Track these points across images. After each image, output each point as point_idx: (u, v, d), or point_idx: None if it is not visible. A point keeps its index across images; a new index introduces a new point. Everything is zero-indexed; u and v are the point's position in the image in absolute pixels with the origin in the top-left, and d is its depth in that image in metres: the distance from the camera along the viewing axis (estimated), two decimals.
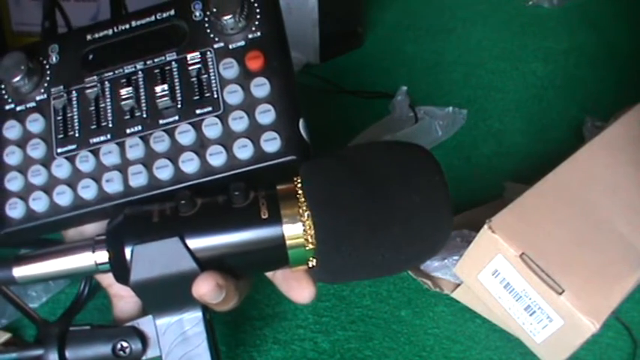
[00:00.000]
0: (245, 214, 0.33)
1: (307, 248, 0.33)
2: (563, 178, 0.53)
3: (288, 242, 0.33)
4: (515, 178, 0.67)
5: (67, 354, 0.35)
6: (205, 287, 0.32)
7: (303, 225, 0.32)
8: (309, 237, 0.32)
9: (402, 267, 0.35)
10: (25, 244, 0.38)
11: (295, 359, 0.56)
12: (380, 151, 0.35)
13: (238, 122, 0.35)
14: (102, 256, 0.35)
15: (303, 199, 0.33)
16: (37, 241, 0.38)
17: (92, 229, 0.38)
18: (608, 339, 0.56)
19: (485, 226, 0.49)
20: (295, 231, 0.33)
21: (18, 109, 0.39)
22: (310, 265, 0.34)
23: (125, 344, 0.35)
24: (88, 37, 0.40)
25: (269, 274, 0.38)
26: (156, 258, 0.33)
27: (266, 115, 0.35)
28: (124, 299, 0.39)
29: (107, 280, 0.39)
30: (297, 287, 0.36)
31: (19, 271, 0.35)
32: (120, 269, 0.34)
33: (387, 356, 0.56)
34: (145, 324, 0.35)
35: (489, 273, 0.50)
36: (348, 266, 0.33)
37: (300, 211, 0.32)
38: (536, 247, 0.48)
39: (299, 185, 0.33)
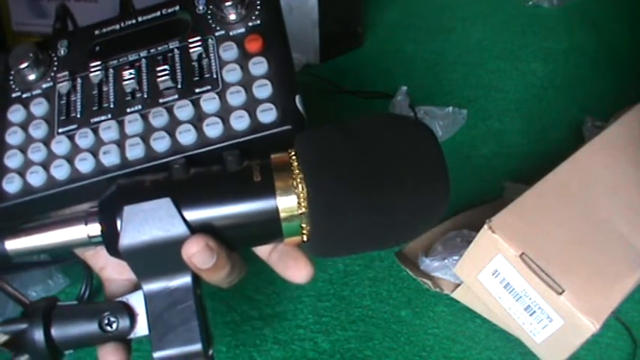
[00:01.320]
0: (237, 178, 0.33)
1: (300, 212, 0.32)
2: (563, 178, 0.53)
3: (281, 210, 0.32)
4: (515, 178, 0.67)
5: (53, 329, 0.34)
6: (195, 247, 0.32)
7: (296, 191, 0.32)
8: (301, 200, 0.32)
9: (395, 236, 0.35)
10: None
11: (295, 359, 0.56)
12: (375, 119, 0.35)
13: (236, 96, 0.36)
14: (94, 228, 0.34)
15: (296, 164, 0.32)
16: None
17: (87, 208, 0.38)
18: (608, 339, 0.56)
19: (485, 226, 0.49)
20: (288, 198, 0.32)
21: (24, 96, 0.40)
22: (304, 239, 0.34)
23: (112, 319, 0.34)
24: (96, 32, 0.41)
25: (264, 255, 0.37)
26: (146, 219, 0.32)
27: (263, 89, 0.36)
28: (116, 282, 0.38)
29: (99, 263, 0.39)
30: (294, 267, 0.35)
31: (12, 244, 0.35)
32: (112, 239, 0.34)
33: (387, 356, 0.56)
34: (135, 300, 0.35)
35: (489, 273, 0.50)
36: (341, 232, 0.33)
37: (294, 175, 0.32)
38: (536, 247, 0.48)
39: (293, 154, 0.33)
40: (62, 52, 0.41)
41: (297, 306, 0.59)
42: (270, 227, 0.33)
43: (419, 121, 0.35)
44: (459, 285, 0.57)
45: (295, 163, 0.33)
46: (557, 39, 0.85)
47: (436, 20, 0.89)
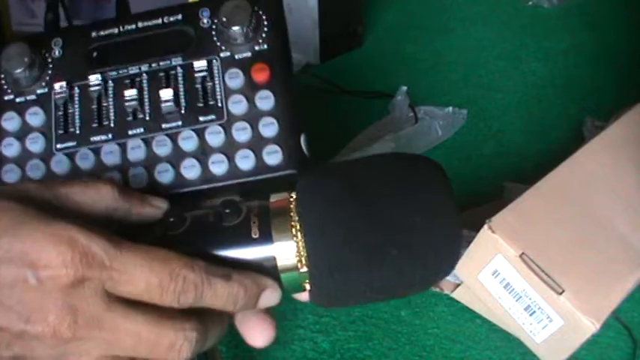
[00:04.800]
0: (235, 233, 0.31)
1: (301, 271, 0.31)
2: (563, 178, 0.53)
3: (280, 265, 0.31)
4: (515, 178, 0.67)
5: None
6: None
7: (297, 246, 0.31)
8: (302, 259, 0.31)
9: (403, 293, 0.33)
10: None
11: (295, 359, 0.56)
12: (384, 166, 0.33)
13: (241, 133, 0.36)
14: None
15: (296, 218, 0.31)
16: None
17: None
18: (608, 339, 0.56)
19: (485, 226, 0.49)
20: (287, 254, 0.31)
21: (17, 100, 0.39)
22: (307, 289, 0.32)
23: None
24: (93, 34, 0.40)
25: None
26: None
27: (269, 128, 0.36)
28: None
29: None
30: (253, 328, 0.34)
31: None
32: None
33: (387, 356, 0.56)
34: None
35: (489, 273, 0.50)
36: (344, 292, 0.31)
37: (294, 231, 0.31)
38: (536, 247, 0.48)
39: (292, 201, 0.32)
40: (57, 53, 0.39)
41: (297, 306, 0.59)
42: (267, 274, 0.32)
43: (433, 164, 0.32)
44: (459, 285, 0.57)
45: (296, 217, 0.31)
46: (557, 39, 0.85)
47: (436, 20, 0.88)
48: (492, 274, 0.50)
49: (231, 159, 0.36)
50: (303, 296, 0.34)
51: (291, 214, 0.31)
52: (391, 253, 0.30)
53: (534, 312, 0.49)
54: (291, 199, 0.32)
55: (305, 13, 0.76)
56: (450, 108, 0.74)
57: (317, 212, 0.31)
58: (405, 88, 0.76)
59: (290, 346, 0.56)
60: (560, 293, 0.47)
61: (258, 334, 0.34)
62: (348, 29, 0.84)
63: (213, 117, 0.37)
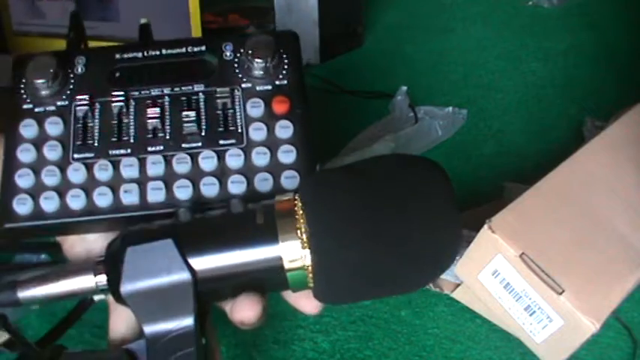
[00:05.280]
0: (240, 220, 0.33)
1: (306, 270, 0.32)
2: (563, 178, 0.53)
3: (286, 264, 0.32)
4: (515, 178, 0.67)
5: None
6: (252, 312, 0.33)
7: (301, 245, 0.31)
8: (307, 257, 0.31)
9: (404, 290, 0.35)
10: (21, 248, 0.38)
11: (295, 359, 0.56)
12: (385, 167, 0.33)
13: (261, 157, 0.37)
14: (102, 278, 0.35)
15: (301, 217, 0.32)
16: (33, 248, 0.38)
17: (92, 238, 0.38)
18: (608, 339, 0.56)
19: (485, 226, 0.49)
20: (292, 253, 0.32)
21: (37, 109, 0.39)
22: (310, 286, 0.33)
23: None
24: (117, 55, 0.41)
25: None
26: (147, 260, 0.32)
27: (288, 155, 0.37)
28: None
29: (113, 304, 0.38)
30: (305, 296, 0.34)
31: (23, 293, 0.35)
32: (117, 286, 0.33)
33: (387, 356, 0.56)
34: (139, 347, 0.35)
35: (489, 273, 0.50)
36: (346, 289, 0.32)
37: (298, 231, 0.32)
38: (536, 247, 0.48)
39: (297, 201, 0.32)
40: (79, 70, 0.40)
41: None
42: (273, 275, 0.32)
43: (436, 168, 0.33)
44: (459, 285, 0.57)
45: (300, 211, 0.32)
46: (557, 39, 0.85)
47: (436, 20, 0.89)
48: (492, 274, 0.50)
49: (250, 181, 0.37)
50: (305, 306, 0.35)
51: (296, 214, 0.32)
52: (392, 253, 0.31)
53: (534, 312, 0.49)
54: (296, 200, 0.32)
55: (305, 13, 0.76)
56: (450, 108, 0.75)
57: (321, 211, 0.31)
58: (405, 88, 0.76)
59: (290, 346, 0.56)
60: (560, 293, 0.47)
61: (307, 301, 0.35)
62: (348, 29, 0.84)
63: (233, 141, 0.38)
